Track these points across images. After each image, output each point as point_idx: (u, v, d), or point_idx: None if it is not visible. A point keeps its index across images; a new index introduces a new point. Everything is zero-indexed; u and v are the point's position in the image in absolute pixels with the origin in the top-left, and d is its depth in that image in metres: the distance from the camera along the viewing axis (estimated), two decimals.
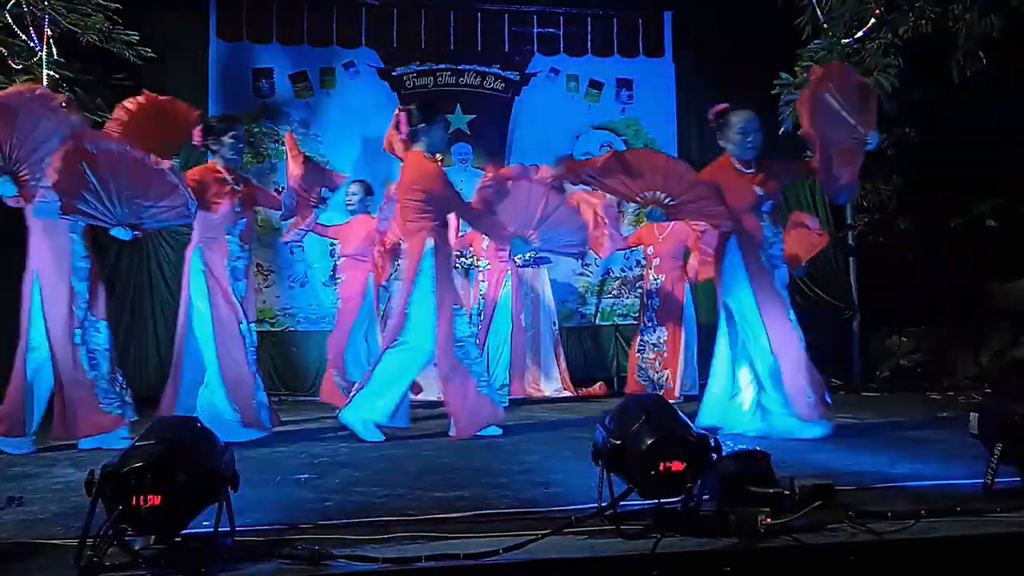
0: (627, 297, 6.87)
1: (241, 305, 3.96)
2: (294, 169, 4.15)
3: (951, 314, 5.73)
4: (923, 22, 4.73)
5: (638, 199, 3.81)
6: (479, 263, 5.97)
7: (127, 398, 3.89)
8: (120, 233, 3.64)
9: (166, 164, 3.54)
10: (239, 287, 3.98)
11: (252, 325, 4.07)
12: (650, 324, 5.55)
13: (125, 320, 5.95)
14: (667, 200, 3.72)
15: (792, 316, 3.79)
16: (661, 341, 5.37)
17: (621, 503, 1.97)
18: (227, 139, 3.99)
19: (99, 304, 3.90)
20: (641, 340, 5.66)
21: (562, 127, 6.81)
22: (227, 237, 3.96)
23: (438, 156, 4.16)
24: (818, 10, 5.08)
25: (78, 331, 3.75)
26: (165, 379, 5.80)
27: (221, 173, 3.99)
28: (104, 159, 3.41)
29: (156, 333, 6.05)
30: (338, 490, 2.64)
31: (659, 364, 5.39)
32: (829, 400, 3.80)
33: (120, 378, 3.91)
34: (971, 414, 2.45)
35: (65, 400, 3.68)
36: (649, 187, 3.70)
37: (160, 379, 5.89)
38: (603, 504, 1.98)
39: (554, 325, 6.15)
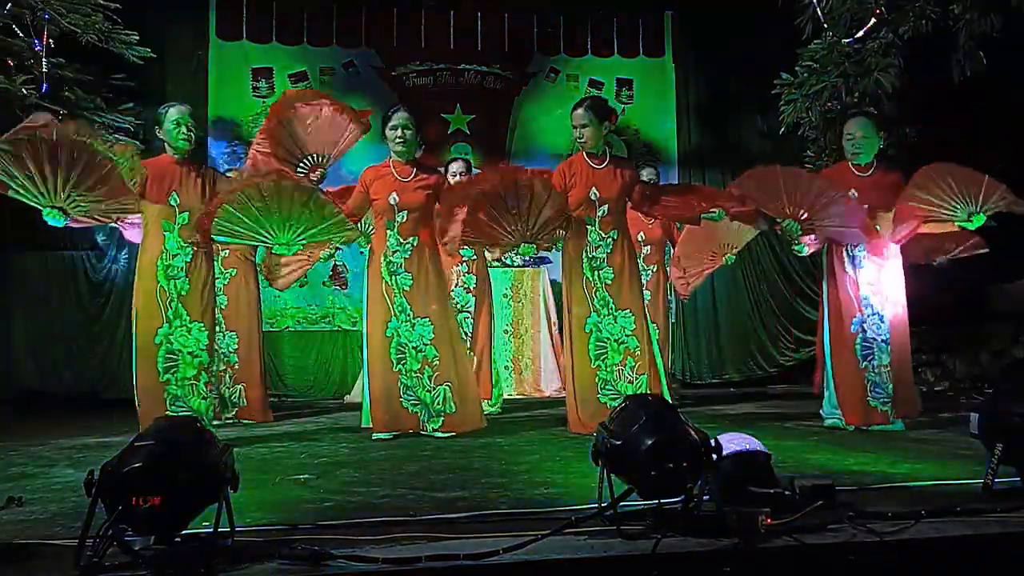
0: None
1: (408, 301, 3.86)
2: None
3: (951, 314, 5.72)
4: (923, 22, 4.73)
5: (785, 212, 3.90)
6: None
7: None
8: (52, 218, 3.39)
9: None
10: (398, 281, 3.88)
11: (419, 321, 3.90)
12: None
13: (124, 321, 5.95)
14: (803, 215, 3.85)
15: (856, 321, 3.92)
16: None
17: (621, 503, 1.97)
18: (388, 132, 3.95)
19: (198, 305, 3.72)
20: None
21: (562, 127, 6.81)
22: (387, 232, 3.91)
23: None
24: (818, 10, 5.08)
25: (161, 330, 3.69)
26: None
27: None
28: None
29: None
30: (338, 490, 2.64)
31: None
32: None
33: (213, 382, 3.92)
34: (971, 414, 2.45)
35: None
36: (794, 203, 3.84)
37: None
38: (603, 504, 1.98)
39: (554, 325, 6.15)
